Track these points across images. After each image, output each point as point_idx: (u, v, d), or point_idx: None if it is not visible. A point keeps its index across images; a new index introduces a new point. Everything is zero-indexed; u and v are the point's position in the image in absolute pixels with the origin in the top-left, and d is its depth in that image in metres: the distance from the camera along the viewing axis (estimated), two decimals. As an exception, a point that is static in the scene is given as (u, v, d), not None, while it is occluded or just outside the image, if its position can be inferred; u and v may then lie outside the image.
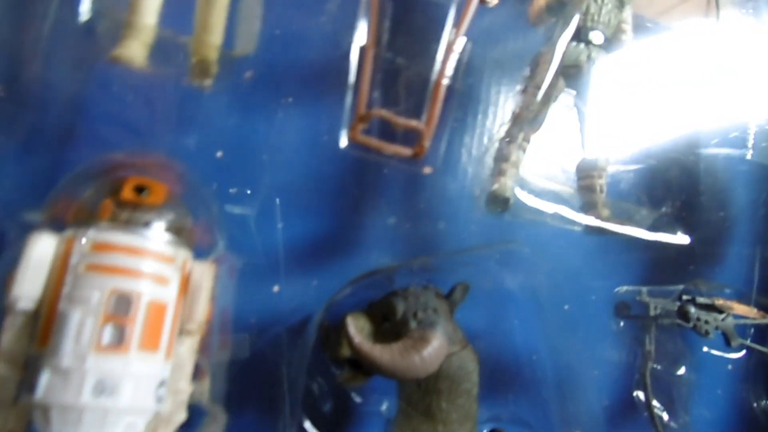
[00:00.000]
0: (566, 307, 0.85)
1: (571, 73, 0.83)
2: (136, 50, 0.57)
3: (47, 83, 0.59)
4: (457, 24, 0.65)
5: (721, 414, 0.88)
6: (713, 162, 0.86)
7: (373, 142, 0.62)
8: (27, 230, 0.50)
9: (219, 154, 0.68)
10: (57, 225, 0.55)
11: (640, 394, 0.84)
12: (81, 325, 0.50)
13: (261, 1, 0.60)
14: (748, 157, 0.83)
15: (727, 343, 0.87)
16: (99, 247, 0.53)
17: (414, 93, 0.62)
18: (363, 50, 0.60)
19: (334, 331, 0.75)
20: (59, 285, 0.52)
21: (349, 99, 0.60)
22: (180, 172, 0.58)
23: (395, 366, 0.69)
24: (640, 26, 0.86)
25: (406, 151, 0.64)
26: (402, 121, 0.62)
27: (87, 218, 0.54)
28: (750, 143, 0.83)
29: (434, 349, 0.71)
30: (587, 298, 0.87)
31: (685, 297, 0.87)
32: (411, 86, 0.63)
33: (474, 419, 0.76)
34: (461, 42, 0.64)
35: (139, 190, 0.56)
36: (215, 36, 0.59)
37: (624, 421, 0.84)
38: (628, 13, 0.87)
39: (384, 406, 0.81)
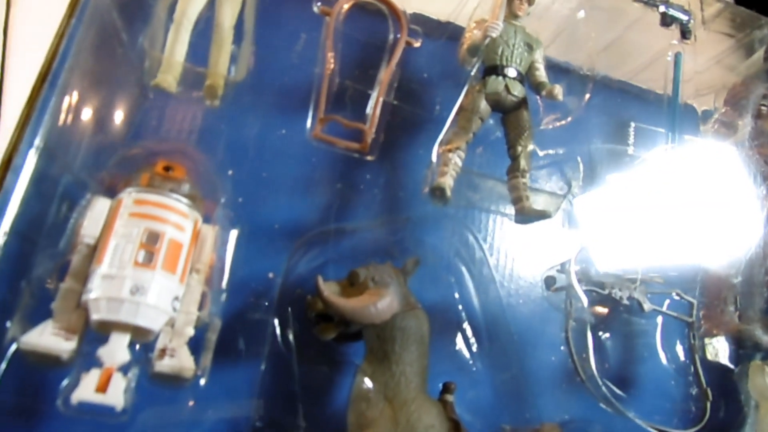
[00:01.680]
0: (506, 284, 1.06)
1: (494, 99, 1.08)
2: (170, 79, 0.86)
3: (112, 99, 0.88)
4: (389, 58, 0.92)
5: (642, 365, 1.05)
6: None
7: (330, 138, 0.88)
8: (96, 186, 0.77)
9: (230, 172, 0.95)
10: (110, 193, 0.81)
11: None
12: (124, 249, 0.75)
13: (252, 43, 0.89)
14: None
15: (640, 309, 1.05)
16: (138, 202, 0.79)
17: (357, 104, 0.89)
18: (321, 74, 0.88)
19: (312, 297, 0.97)
20: (111, 227, 0.77)
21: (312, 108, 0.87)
22: (197, 159, 0.84)
23: (354, 312, 0.90)
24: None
25: (354, 145, 0.89)
26: (350, 123, 0.88)
27: (131, 185, 0.81)
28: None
29: (386, 302, 0.92)
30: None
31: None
32: (355, 100, 0.90)
33: (424, 365, 0.94)
34: (393, 71, 0.92)
35: (167, 168, 0.82)
36: (222, 68, 0.88)
37: (555, 370, 1.01)
38: (539, 55, 1.14)
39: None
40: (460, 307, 1.04)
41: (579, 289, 0.97)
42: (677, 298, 1.09)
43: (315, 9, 0.92)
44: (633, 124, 1.10)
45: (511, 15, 1.14)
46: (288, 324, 0.91)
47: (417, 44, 0.96)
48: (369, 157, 0.90)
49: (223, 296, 0.84)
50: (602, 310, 1.05)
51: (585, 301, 0.97)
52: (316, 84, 0.88)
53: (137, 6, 0.87)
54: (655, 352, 1.06)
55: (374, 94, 0.91)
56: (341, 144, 0.88)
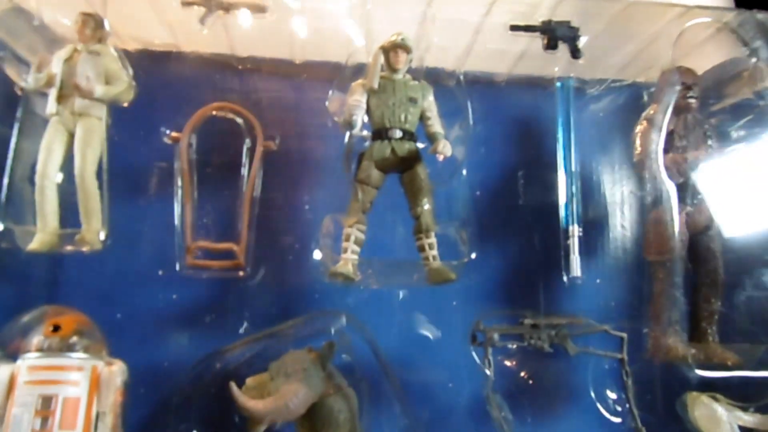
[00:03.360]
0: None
1: (382, 164, 1.06)
2: (45, 240, 0.92)
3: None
4: (249, 167, 0.93)
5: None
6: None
7: (204, 262, 0.91)
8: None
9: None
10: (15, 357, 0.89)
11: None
12: (22, 419, 0.83)
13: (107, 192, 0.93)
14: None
15: (566, 353, 1.02)
16: (31, 369, 0.86)
17: (225, 223, 0.91)
18: (183, 205, 0.91)
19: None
20: (11, 397, 0.85)
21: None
22: (85, 318, 0.90)
23: (269, 413, 0.95)
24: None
25: (228, 263, 0.92)
26: (218, 246, 0.90)
27: (26, 350, 0.88)
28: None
29: (300, 396, 0.96)
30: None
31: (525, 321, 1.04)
32: (221, 216, 0.93)
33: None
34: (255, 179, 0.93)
35: (55, 328, 0.89)
36: (94, 221, 0.93)
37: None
38: (428, 103, 1.09)
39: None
40: (384, 377, 1.06)
41: (481, 363, 0.96)
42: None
43: (165, 139, 0.94)
44: (521, 172, 1.05)
45: (390, 69, 1.10)
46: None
47: (274, 147, 0.96)
48: (241, 273, 0.92)
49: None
50: (526, 360, 1.03)
51: (491, 374, 0.96)
52: (179, 213, 0.91)
53: None
54: (587, 393, 1.03)
55: (242, 208, 0.92)
56: (216, 266, 0.91)
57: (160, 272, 0.95)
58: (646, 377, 1.01)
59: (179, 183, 0.91)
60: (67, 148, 0.94)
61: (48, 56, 0.94)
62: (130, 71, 1.00)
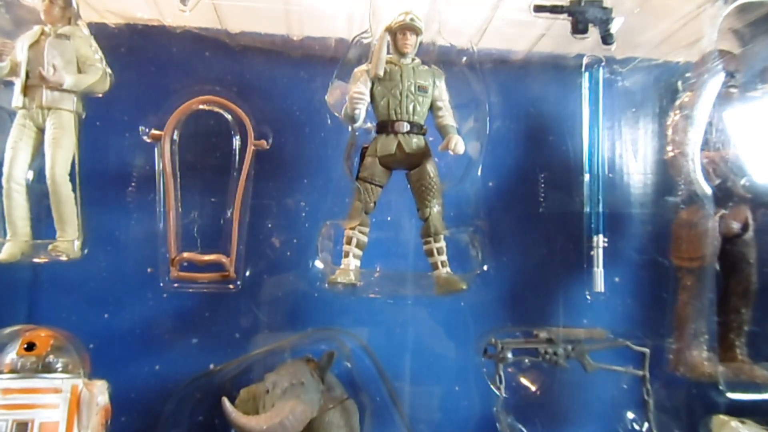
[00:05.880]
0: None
1: (388, 161, 0.96)
2: (15, 252, 0.83)
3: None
4: (239, 169, 0.83)
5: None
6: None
7: (190, 275, 0.83)
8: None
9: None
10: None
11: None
12: None
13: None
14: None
15: (584, 369, 0.95)
16: (4, 392, 0.79)
17: (210, 233, 0.82)
18: (165, 213, 0.81)
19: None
20: None
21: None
22: (62, 333, 0.83)
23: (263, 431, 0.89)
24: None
25: (217, 275, 0.83)
26: (205, 259, 0.82)
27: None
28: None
29: (295, 416, 0.90)
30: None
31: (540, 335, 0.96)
32: (207, 223, 0.84)
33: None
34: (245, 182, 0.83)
35: (29, 347, 0.82)
36: (69, 229, 0.84)
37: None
38: (439, 91, 0.98)
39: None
40: (387, 389, 0.99)
41: (491, 380, 0.89)
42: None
43: (145, 138, 0.84)
44: (543, 174, 0.94)
45: (398, 54, 0.99)
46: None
47: (267, 146, 0.85)
48: (232, 286, 0.84)
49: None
50: (538, 376, 0.96)
51: (502, 392, 0.88)
52: (162, 222, 0.82)
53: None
54: (603, 411, 0.96)
55: (231, 215, 0.83)
56: (204, 278, 0.83)
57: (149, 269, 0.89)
58: (667, 395, 0.93)
59: (161, 187, 0.82)
60: (36, 146, 0.84)
61: (10, 41, 0.83)
62: (104, 61, 0.88)
